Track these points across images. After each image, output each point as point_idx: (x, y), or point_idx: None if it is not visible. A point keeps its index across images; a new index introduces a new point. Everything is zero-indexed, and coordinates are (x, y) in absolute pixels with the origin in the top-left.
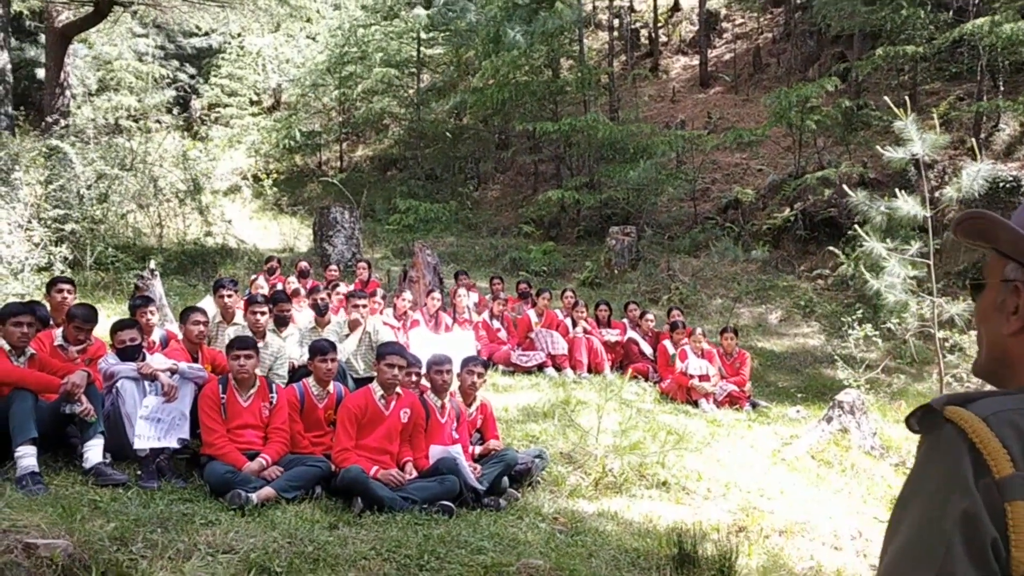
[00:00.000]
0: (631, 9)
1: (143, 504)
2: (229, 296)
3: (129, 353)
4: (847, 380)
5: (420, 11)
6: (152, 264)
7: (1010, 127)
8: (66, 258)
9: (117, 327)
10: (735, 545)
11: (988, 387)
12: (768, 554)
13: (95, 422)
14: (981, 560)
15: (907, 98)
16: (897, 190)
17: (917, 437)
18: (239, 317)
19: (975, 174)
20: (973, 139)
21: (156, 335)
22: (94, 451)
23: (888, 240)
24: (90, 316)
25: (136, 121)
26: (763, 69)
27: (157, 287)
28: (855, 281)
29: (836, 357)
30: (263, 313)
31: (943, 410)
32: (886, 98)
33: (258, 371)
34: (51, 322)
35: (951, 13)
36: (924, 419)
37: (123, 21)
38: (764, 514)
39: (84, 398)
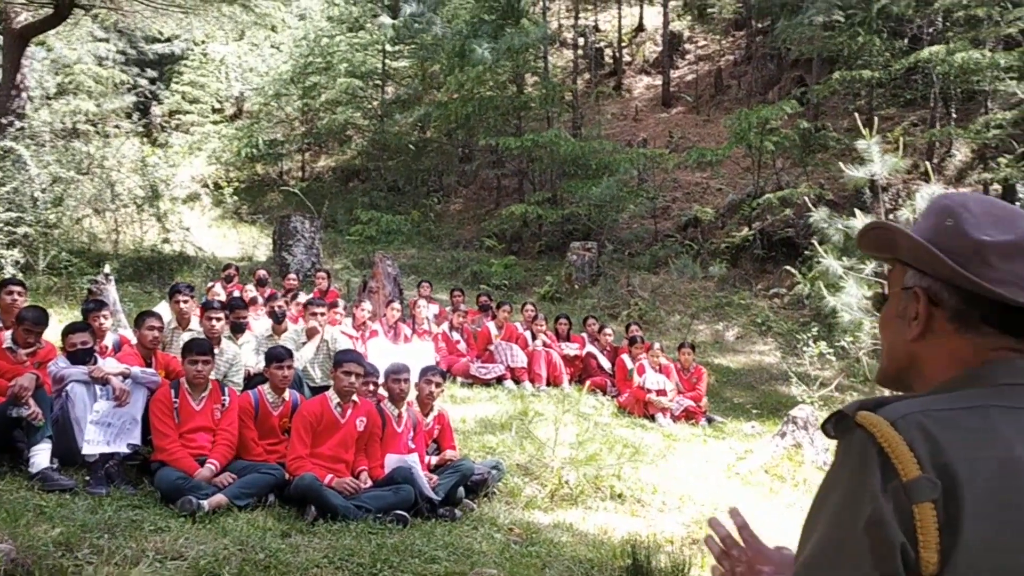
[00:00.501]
0: (596, 28)
1: (90, 510)
2: (185, 302)
3: (80, 357)
4: (801, 397)
5: (386, 21)
6: (107, 269)
7: (961, 153)
8: (18, 262)
9: (68, 330)
10: (688, 557)
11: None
12: None
13: (43, 426)
14: (888, 566)
15: (861, 123)
16: (855, 210)
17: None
18: (195, 323)
19: (929, 197)
20: (927, 163)
21: (109, 340)
22: (41, 456)
23: (844, 259)
24: (41, 319)
25: (94, 126)
26: (724, 91)
27: (111, 292)
28: (811, 300)
29: (791, 374)
30: (219, 319)
31: (855, 415)
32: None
33: (213, 376)
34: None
35: (906, 41)
36: (838, 424)
37: (83, 24)
38: None
39: (32, 401)
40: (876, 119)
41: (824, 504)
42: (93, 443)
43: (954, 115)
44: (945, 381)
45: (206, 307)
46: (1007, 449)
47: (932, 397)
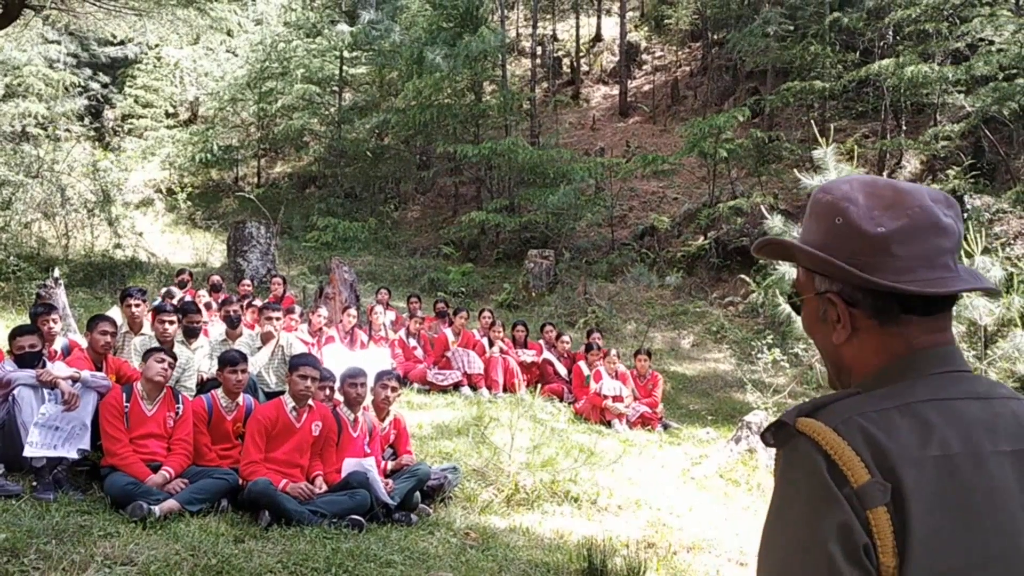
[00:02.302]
0: (554, 38)
1: (38, 516)
2: (137, 306)
3: (28, 360)
4: (756, 403)
5: (344, 27)
6: (56, 272)
7: (911, 164)
8: None
9: (15, 333)
10: (644, 560)
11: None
12: (676, 570)
13: None
14: (861, 566)
15: (817, 132)
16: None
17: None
18: (147, 327)
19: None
20: (880, 174)
21: (58, 344)
22: None
23: (785, 262)
24: None
25: (44, 129)
26: (681, 101)
27: (61, 296)
28: (765, 308)
29: (746, 381)
30: (171, 322)
31: (795, 423)
32: (795, 131)
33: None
34: None
35: (858, 54)
36: (778, 433)
37: (34, 26)
38: (673, 530)
39: None
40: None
41: (781, 517)
42: (36, 446)
43: (904, 127)
44: (874, 375)
45: (158, 310)
46: (945, 448)
47: (865, 396)
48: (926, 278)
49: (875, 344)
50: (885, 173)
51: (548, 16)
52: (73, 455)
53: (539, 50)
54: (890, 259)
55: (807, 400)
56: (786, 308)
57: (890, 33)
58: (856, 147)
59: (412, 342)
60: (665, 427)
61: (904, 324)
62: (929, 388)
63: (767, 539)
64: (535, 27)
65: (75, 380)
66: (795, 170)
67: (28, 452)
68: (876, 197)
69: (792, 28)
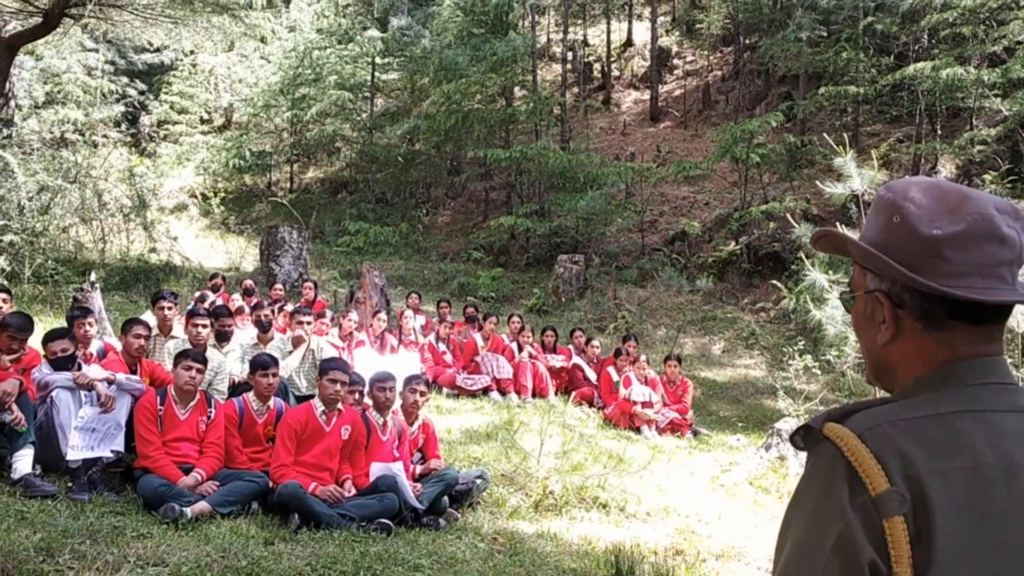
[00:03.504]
0: (585, 43)
1: (72, 516)
2: (168, 308)
3: (62, 364)
4: (787, 410)
5: (375, 33)
6: (92, 277)
7: (946, 169)
8: (3, 270)
9: (48, 338)
10: (672, 568)
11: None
12: None
13: (25, 432)
14: None
15: (846, 137)
16: (839, 225)
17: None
18: (178, 330)
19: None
20: None
21: (94, 347)
22: (23, 461)
23: (830, 272)
24: (24, 325)
25: (82, 135)
26: (712, 106)
27: (97, 299)
28: (797, 314)
29: (777, 388)
30: (204, 326)
31: (822, 427)
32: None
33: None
34: None
35: (892, 57)
36: (806, 437)
37: (73, 34)
38: (701, 538)
39: (15, 407)
40: (862, 135)
41: (792, 521)
42: (77, 448)
43: (939, 131)
44: (914, 382)
45: (192, 314)
46: (976, 459)
47: (899, 404)
48: (977, 286)
49: (918, 348)
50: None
51: (579, 21)
52: (108, 455)
53: (570, 55)
54: (941, 263)
55: (837, 406)
56: (817, 314)
57: (925, 36)
58: (890, 151)
59: (442, 347)
60: (695, 433)
61: (950, 331)
62: (966, 399)
63: (780, 539)
64: (566, 32)
65: (110, 383)
66: (823, 177)
67: (71, 456)
68: (938, 200)
69: (825, 33)
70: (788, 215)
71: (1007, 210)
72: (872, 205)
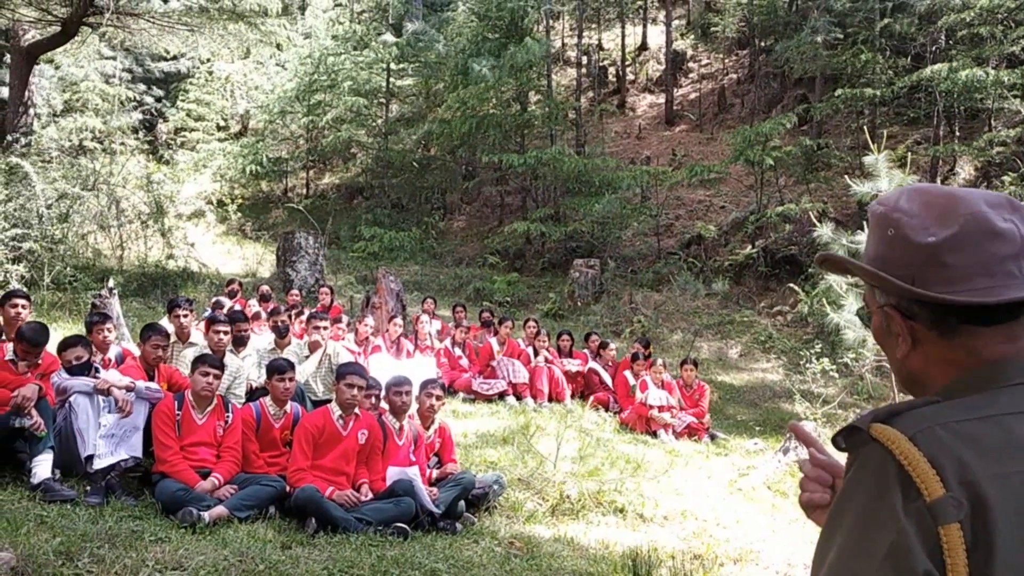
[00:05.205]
0: (599, 47)
1: (91, 520)
2: (185, 316)
3: (77, 372)
4: (804, 414)
5: (390, 38)
6: (111, 283)
7: (965, 171)
8: (23, 277)
9: (63, 346)
10: (689, 572)
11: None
12: None
13: (44, 437)
14: None
15: (869, 138)
16: (864, 223)
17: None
18: (195, 336)
19: None
20: (931, 181)
21: (112, 352)
22: (42, 466)
23: (848, 276)
24: (37, 340)
25: (100, 143)
26: (727, 109)
27: (115, 306)
28: (814, 317)
29: (794, 392)
30: (226, 332)
31: (868, 428)
32: (844, 138)
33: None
34: (3, 336)
35: (909, 59)
36: (850, 438)
37: (91, 42)
38: (719, 542)
39: (34, 412)
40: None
41: (837, 528)
42: (104, 457)
43: (957, 133)
44: (950, 385)
45: (212, 321)
46: None
47: (945, 406)
48: (984, 287)
49: (939, 356)
50: (938, 180)
51: (594, 25)
52: (123, 456)
53: (585, 59)
54: (943, 269)
55: (882, 406)
56: (835, 317)
57: (943, 37)
58: (908, 153)
59: (457, 351)
60: (712, 438)
61: (967, 335)
62: (1011, 400)
63: (825, 541)
64: (580, 36)
65: (129, 389)
66: (846, 176)
67: (98, 464)
68: (928, 205)
69: (841, 35)
70: (806, 217)
71: (1000, 203)
72: (870, 222)
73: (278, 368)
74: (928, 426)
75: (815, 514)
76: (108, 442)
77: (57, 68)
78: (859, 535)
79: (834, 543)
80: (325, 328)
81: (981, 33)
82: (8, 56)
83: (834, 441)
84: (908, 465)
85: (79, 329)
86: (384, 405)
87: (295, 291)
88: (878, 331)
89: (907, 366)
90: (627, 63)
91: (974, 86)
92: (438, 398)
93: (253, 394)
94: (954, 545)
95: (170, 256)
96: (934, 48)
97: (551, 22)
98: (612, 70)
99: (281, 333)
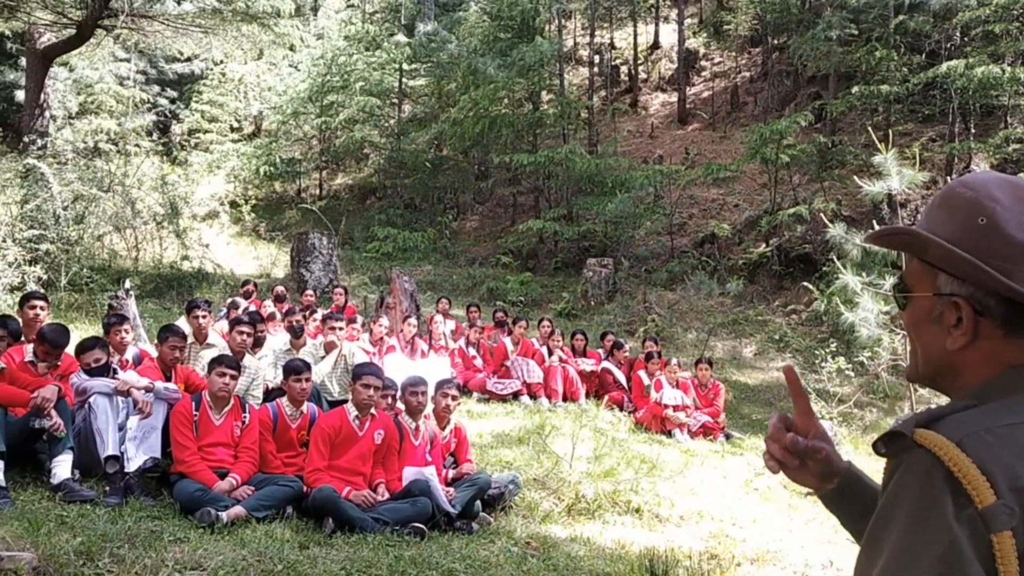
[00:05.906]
0: (611, 46)
1: (111, 520)
2: (203, 317)
3: (96, 374)
4: (820, 413)
5: (402, 39)
6: (127, 284)
7: (981, 168)
8: (40, 278)
9: (80, 349)
10: (706, 572)
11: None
12: None
13: (64, 437)
14: None
15: (877, 138)
16: (875, 223)
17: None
18: (212, 337)
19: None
20: (947, 178)
21: (129, 353)
22: (62, 467)
23: (863, 274)
24: (59, 342)
25: (115, 144)
26: (741, 107)
27: (131, 307)
28: (829, 316)
29: (809, 391)
30: (249, 334)
31: (913, 434)
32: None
33: (235, 392)
34: (22, 338)
35: (924, 56)
36: (892, 443)
37: (105, 45)
38: (736, 542)
39: (54, 413)
40: (894, 134)
41: (884, 536)
42: (135, 460)
43: (973, 130)
44: (987, 383)
45: (235, 322)
46: None
47: (987, 410)
48: None
49: (992, 353)
50: (953, 177)
51: (605, 25)
52: (144, 457)
53: (597, 58)
54: None
55: (923, 410)
56: (850, 316)
57: (957, 34)
58: (922, 151)
59: (472, 351)
60: (727, 437)
61: None
62: None
63: (870, 550)
64: (592, 36)
65: (148, 390)
66: (856, 177)
67: (130, 468)
68: (1022, 201)
69: (856, 32)
70: (820, 215)
71: None
72: (942, 200)
73: (295, 369)
74: (975, 431)
75: (792, 473)
76: (134, 444)
77: (72, 71)
78: (909, 543)
79: (882, 551)
80: (341, 329)
81: (996, 30)
82: (24, 59)
83: (875, 447)
84: (958, 471)
85: (96, 330)
86: (400, 405)
87: (309, 291)
88: (920, 316)
89: (953, 359)
90: (639, 62)
91: (990, 83)
92: (454, 398)
93: (270, 394)
94: (1007, 552)
95: (185, 257)
96: (949, 45)
97: (563, 21)
98: (624, 69)
99: (296, 333)
